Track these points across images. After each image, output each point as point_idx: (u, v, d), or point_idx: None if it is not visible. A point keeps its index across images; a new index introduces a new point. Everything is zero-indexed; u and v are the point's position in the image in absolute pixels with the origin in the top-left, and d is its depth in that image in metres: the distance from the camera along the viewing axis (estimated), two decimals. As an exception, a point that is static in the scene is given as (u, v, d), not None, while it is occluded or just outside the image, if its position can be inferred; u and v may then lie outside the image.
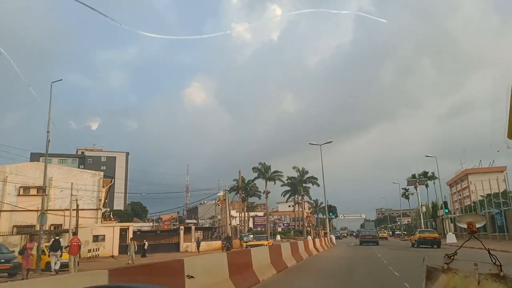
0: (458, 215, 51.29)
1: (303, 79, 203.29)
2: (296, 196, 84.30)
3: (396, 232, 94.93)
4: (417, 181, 57.42)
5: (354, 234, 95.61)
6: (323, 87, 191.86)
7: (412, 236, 35.82)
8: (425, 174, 63.18)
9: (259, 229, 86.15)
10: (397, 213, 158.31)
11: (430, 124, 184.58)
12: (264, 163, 69.24)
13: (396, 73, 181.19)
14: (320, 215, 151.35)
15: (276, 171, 69.56)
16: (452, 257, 2.64)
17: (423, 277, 2.68)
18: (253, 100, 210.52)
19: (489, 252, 2.64)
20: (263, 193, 72.00)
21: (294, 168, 72.51)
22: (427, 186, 72.79)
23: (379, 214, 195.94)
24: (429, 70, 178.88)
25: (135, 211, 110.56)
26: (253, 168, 68.49)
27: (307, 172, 74.37)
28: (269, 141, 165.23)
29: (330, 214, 58.42)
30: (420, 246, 30.24)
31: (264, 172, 68.77)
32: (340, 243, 49.66)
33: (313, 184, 73.40)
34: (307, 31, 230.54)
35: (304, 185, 76.00)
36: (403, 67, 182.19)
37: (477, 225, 2.97)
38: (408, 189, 72.66)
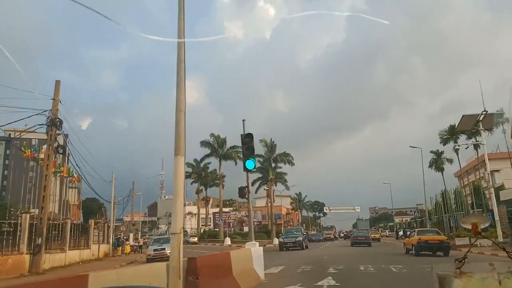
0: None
1: (295, 77, 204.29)
2: (268, 184, 64.41)
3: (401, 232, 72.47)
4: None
5: (343, 235, 74.28)
6: (315, 85, 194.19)
7: (407, 239, 25.07)
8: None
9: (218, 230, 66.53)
10: (392, 212, 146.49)
11: (422, 123, 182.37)
12: (218, 136, 48.75)
13: (388, 72, 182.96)
14: (307, 213, 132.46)
15: (234, 146, 49.13)
16: (462, 261, 2.57)
17: (436, 287, 2.58)
18: (245, 99, 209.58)
19: (504, 249, 2.74)
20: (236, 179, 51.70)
21: (261, 141, 51.11)
22: (442, 170, 53.61)
23: (372, 213, 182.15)
24: (421, 69, 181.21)
25: (89, 208, 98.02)
26: (202, 142, 48.03)
27: (275, 146, 53.46)
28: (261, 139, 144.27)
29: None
30: (421, 253, 21.33)
31: (217, 148, 48.33)
32: (315, 251, 29.54)
33: (286, 163, 53.56)
34: (300, 30, 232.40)
35: (275, 165, 54.93)
36: (395, 66, 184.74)
37: (481, 226, 2.97)
38: (441, 153, 49.31)
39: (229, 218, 66.24)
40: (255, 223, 69.89)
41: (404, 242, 25.79)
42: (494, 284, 2.40)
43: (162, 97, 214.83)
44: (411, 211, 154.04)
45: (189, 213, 77.51)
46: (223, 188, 64.91)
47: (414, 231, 25.25)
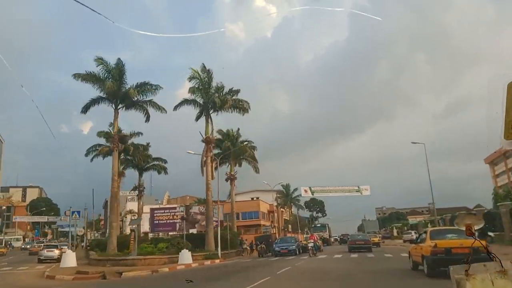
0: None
1: (296, 77, 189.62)
2: (229, 165, 42.70)
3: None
4: None
5: (339, 239, 60.64)
6: (317, 85, 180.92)
7: (414, 246, 14.40)
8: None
9: (160, 232, 45.72)
10: (405, 211, 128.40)
11: (426, 122, 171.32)
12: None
13: (391, 71, 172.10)
14: (303, 213, 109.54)
15: (146, 82, 27.43)
16: (469, 263, 2.63)
17: None
18: (246, 99, 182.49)
19: (487, 250, 2.76)
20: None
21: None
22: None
23: (379, 213, 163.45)
24: (425, 66, 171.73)
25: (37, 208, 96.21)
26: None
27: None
28: (262, 141, 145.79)
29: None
30: (439, 270, 11.50)
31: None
32: None
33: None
34: (302, 28, 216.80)
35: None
36: (398, 64, 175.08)
37: (475, 227, 3.02)
38: None
39: (173, 217, 44.78)
40: (214, 224, 47.86)
41: (409, 252, 15.00)
42: (489, 284, 2.54)
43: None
44: (427, 210, 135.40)
45: (130, 211, 55.99)
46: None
47: (425, 232, 13.91)
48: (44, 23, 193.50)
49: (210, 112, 29.04)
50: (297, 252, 29.54)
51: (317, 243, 32.13)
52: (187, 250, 21.45)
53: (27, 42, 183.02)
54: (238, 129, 41.98)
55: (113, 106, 27.02)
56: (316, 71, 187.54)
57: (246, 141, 42.74)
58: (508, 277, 2.53)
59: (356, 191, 45.56)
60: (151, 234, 44.02)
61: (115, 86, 25.84)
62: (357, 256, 23.06)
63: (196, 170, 32.77)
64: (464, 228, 3.05)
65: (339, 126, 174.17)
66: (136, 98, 27.11)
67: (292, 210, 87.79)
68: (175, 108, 29.47)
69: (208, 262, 23.10)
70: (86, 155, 34.76)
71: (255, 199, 67.86)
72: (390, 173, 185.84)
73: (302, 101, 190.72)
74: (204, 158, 28.95)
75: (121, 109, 27.30)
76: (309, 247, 26.96)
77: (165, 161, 45.47)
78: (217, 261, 23.90)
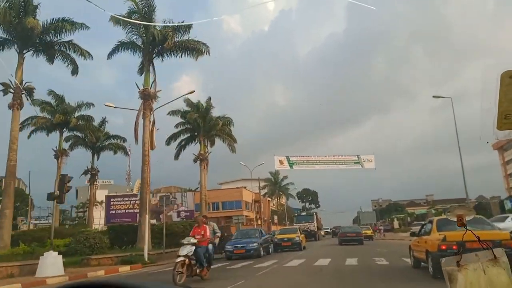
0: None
1: (294, 70, 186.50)
2: (198, 143, 35.10)
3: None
4: None
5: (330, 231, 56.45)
6: (315, 77, 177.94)
7: (416, 240, 12.12)
8: None
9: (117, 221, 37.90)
10: (403, 203, 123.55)
11: (423, 115, 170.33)
12: None
13: (389, 63, 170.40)
14: (295, 204, 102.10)
15: (64, 18, 19.64)
16: (460, 253, 2.57)
17: (447, 283, 2.59)
18: (243, 92, 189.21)
19: (478, 239, 2.68)
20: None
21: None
22: None
23: (375, 205, 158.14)
24: (423, 59, 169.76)
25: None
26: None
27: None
28: (259, 135, 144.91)
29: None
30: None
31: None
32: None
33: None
34: (299, 20, 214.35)
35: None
36: (397, 57, 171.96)
37: (467, 218, 3.02)
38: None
39: (133, 206, 37.47)
40: (183, 214, 40.35)
41: (409, 246, 12.99)
42: (481, 274, 2.50)
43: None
44: (424, 202, 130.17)
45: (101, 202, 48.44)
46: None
47: (430, 222, 11.70)
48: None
49: (153, 57, 21.30)
50: (261, 253, 20.19)
51: (296, 238, 24.11)
52: (55, 253, 13.70)
53: None
54: (210, 98, 34.39)
55: (16, 48, 19.28)
56: (313, 63, 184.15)
57: (222, 116, 35.20)
58: (500, 264, 2.49)
59: (355, 162, 33.09)
60: (105, 226, 36.65)
61: (9, 17, 18.04)
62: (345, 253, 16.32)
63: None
64: (455, 219, 3.04)
65: (337, 119, 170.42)
66: (49, 39, 19.34)
67: (283, 200, 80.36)
68: (110, 55, 21.77)
69: (127, 268, 15.57)
70: (21, 129, 27.39)
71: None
72: (386, 165, 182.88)
73: (300, 93, 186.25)
74: (141, 120, 21.15)
75: (29, 53, 19.55)
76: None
77: (124, 139, 37.95)
78: (140, 266, 16.19)
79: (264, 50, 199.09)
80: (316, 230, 40.80)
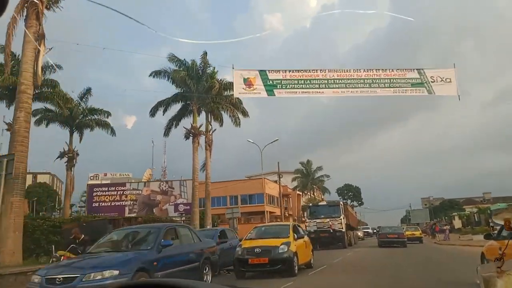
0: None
1: (335, 66, 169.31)
2: (193, 115, 27.00)
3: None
4: None
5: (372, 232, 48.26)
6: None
7: (499, 243, 6.64)
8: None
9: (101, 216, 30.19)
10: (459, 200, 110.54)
11: (474, 113, 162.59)
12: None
13: (436, 58, 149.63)
14: (327, 198, 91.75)
15: None
16: (501, 260, 2.52)
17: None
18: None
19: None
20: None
21: None
22: None
23: (426, 204, 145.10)
24: (473, 54, 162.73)
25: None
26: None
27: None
28: (301, 134, 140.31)
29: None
30: None
31: None
32: None
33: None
34: (341, 16, 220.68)
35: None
36: (444, 51, 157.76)
37: None
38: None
39: (120, 198, 30.34)
40: (181, 208, 32.24)
41: (482, 254, 9.56)
42: None
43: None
44: (482, 200, 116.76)
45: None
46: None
47: None
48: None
49: None
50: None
51: (280, 249, 11.21)
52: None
53: None
54: (205, 53, 26.02)
55: None
56: (355, 60, 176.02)
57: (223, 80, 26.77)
58: None
59: (417, 84, 14.19)
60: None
61: None
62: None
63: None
64: (502, 223, 2.84)
65: (380, 117, 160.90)
66: None
67: (319, 195, 70.71)
68: None
69: None
70: None
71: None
72: (433, 164, 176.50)
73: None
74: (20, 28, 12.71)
75: None
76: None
77: (108, 114, 30.71)
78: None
79: (305, 47, 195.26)
80: (343, 229, 25.93)
